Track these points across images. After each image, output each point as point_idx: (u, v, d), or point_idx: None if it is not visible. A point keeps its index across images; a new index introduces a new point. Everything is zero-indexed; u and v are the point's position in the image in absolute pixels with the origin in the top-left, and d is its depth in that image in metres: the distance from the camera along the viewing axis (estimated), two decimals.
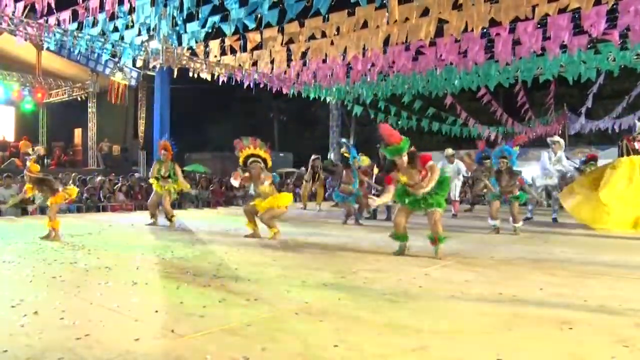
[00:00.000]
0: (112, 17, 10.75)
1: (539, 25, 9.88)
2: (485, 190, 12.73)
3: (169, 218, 9.09)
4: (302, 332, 3.05)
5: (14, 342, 2.83)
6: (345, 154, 10.61)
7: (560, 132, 23.57)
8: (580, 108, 23.45)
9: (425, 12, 9.66)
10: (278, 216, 7.64)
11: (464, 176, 12.76)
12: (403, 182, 5.78)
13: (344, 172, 10.10)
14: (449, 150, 12.56)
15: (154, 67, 14.97)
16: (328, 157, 14.75)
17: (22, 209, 11.29)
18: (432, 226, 5.81)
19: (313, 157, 14.20)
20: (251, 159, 7.49)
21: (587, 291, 4.12)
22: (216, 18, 10.32)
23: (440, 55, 11.68)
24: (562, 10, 9.05)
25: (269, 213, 7.45)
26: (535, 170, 11.06)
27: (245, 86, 15.07)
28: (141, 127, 21.83)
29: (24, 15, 10.71)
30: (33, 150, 7.40)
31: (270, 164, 7.66)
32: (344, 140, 15.50)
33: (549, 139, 11.02)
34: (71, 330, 3.02)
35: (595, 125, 23.77)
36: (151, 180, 9.49)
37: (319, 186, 14.03)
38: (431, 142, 27.51)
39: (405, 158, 5.66)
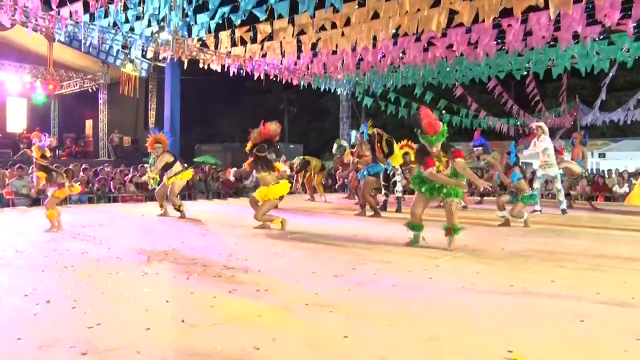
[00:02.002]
0: (123, 8, 10.76)
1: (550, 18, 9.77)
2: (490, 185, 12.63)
3: (177, 208, 9.11)
4: (312, 323, 3.06)
5: (27, 330, 2.85)
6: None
7: (572, 124, 23.36)
8: (595, 101, 23.20)
9: (436, 3, 9.58)
10: (270, 209, 7.66)
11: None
12: (437, 169, 5.75)
13: (362, 147, 9.85)
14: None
15: (164, 58, 14.99)
16: (339, 144, 14.24)
17: (34, 199, 11.38)
18: (448, 216, 5.78)
19: (305, 159, 14.20)
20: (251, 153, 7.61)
21: (599, 284, 4.08)
22: (226, 9, 10.31)
23: (451, 46, 11.59)
24: (576, 1, 8.93)
25: (261, 210, 7.49)
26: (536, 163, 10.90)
27: (255, 77, 15.06)
28: (152, 119, 21.90)
29: (39, 9, 10.77)
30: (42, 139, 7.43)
31: (249, 146, 7.66)
32: (354, 131, 15.33)
33: (532, 124, 10.86)
34: (83, 319, 3.04)
35: (608, 117, 23.52)
36: (150, 175, 9.51)
37: (318, 177, 13.86)
38: None
39: (437, 149, 5.70)
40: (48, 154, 7.32)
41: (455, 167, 5.72)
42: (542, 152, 10.17)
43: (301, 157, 14.80)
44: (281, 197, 7.85)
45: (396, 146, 10.18)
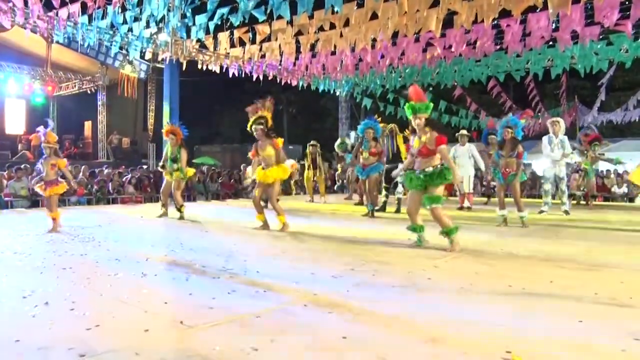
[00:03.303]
0: (121, 9, 10.77)
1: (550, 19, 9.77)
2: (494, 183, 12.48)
3: (179, 208, 9.07)
4: (310, 324, 3.05)
5: (25, 332, 2.85)
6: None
7: (570, 124, 23.34)
8: (594, 101, 23.23)
9: (435, 3, 9.58)
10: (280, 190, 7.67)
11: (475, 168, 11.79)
12: (415, 146, 5.74)
13: (374, 143, 9.58)
14: (463, 131, 11.58)
15: (163, 59, 14.98)
16: (342, 141, 13.93)
17: (33, 201, 11.38)
18: (438, 222, 5.73)
19: (312, 142, 13.76)
20: (254, 124, 7.42)
21: (597, 284, 4.08)
22: (225, 10, 10.30)
23: (450, 46, 11.59)
24: (575, 2, 8.94)
25: (274, 194, 7.48)
26: (545, 162, 10.76)
27: (254, 79, 15.06)
28: (150, 120, 21.90)
29: (39, 10, 10.77)
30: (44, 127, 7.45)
31: (270, 123, 7.51)
32: (353, 132, 15.23)
33: (548, 121, 10.73)
34: (81, 321, 3.04)
35: (607, 117, 23.54)
36: (160, 167, 9.41)
37: (320, 176, 13.63)
38: None
39: (421, 121, 5.63)
40: (54, 138, 7.38)
41: (440, 152, 5.64)
42: (560, 148, 10.09)
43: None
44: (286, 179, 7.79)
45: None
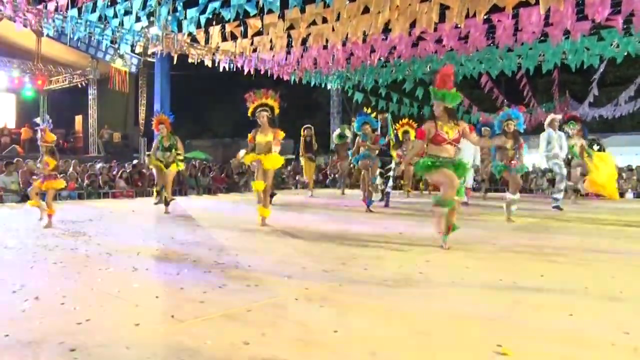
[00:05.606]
0: (110, 2, 10.68)
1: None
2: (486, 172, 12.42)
3: (169, 201, 9.00)
4: (302, 318, 3.05)
5: (15, 326, 2.83)
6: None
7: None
8: (585, 96, 23.31)
9: None
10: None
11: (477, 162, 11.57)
12: (439, 131, 5.40)
13: (373, 135, 9.57)
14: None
15: (153, 53, 14.88)
16: (343, 132, 13.56)
17: (23, 195, 11.29)
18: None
19: (306, 125, 13.42)
20: (259, 109, 7.44)
21: (587, 278, 4.11)
22: (217, 4, 10.24)
23: (441, 40, 11.59)
24: None
25: (271, 179, 7.53)
26: (537, 157, 10.62)
27: (245, 73, 15.00)
28: (142, 114, 21.75)
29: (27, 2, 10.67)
30: (42, 122, 7.34)
31: (277, 111, 7.55)
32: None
33: (549, 118, 10.60)
34: (72, 315, 3.03)
35: (597, 112, 23.66)
36: (149, 160, 9.23)
37: (312, 164, 13.29)
38: None
39: (443, 107, 5.46)
40: (52, 137, 7.32)
41: (469, 139, 5.68)
42: (560, 147, 10.09)
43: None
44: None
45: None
